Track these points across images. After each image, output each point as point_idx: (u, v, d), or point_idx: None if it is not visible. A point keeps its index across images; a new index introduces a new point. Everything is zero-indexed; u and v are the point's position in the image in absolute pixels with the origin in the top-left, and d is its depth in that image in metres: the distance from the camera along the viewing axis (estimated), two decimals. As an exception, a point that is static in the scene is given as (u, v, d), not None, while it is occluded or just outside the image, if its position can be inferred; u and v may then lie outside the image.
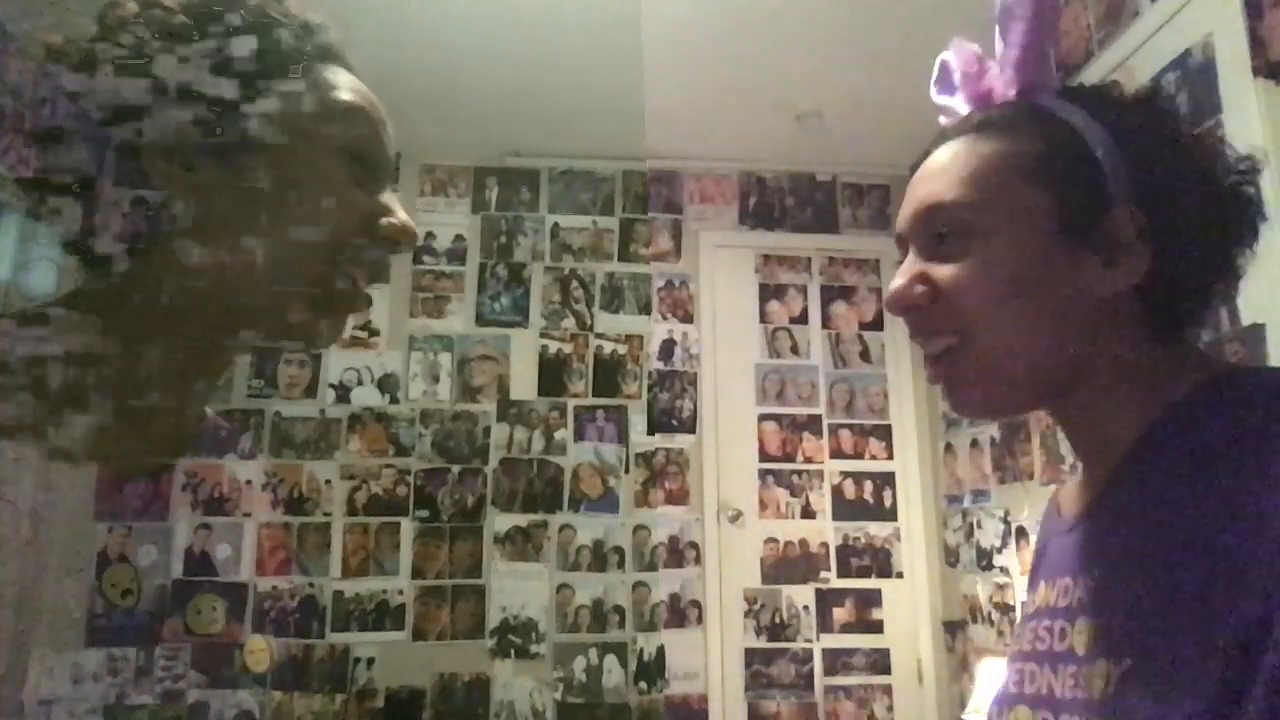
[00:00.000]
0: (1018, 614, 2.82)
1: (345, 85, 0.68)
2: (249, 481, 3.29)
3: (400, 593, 3.28)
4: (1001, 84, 0.71)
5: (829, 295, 3.71)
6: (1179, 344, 0.67)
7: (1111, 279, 0.64)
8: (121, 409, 0.61)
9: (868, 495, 3.54)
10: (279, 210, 0.63)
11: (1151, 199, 0.64)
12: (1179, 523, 0.57)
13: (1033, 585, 0.74)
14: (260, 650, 3.10)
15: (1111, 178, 0.64)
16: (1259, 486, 0.52)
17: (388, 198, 0.69)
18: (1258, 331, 1.90)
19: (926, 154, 0.72)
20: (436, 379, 3.48)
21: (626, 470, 3.46)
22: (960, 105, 0.74)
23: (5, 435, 0.55)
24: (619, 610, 3.34)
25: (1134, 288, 0.64)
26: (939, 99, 0.76)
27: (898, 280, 0.69)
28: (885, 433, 3.60)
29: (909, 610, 3.44)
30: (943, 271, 0.67)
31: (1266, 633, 0.49)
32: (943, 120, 0.74)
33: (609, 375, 3.55)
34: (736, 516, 3.46)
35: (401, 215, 0.68)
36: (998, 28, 0.71)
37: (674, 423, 3.52)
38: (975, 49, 0.74)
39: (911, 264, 0.69)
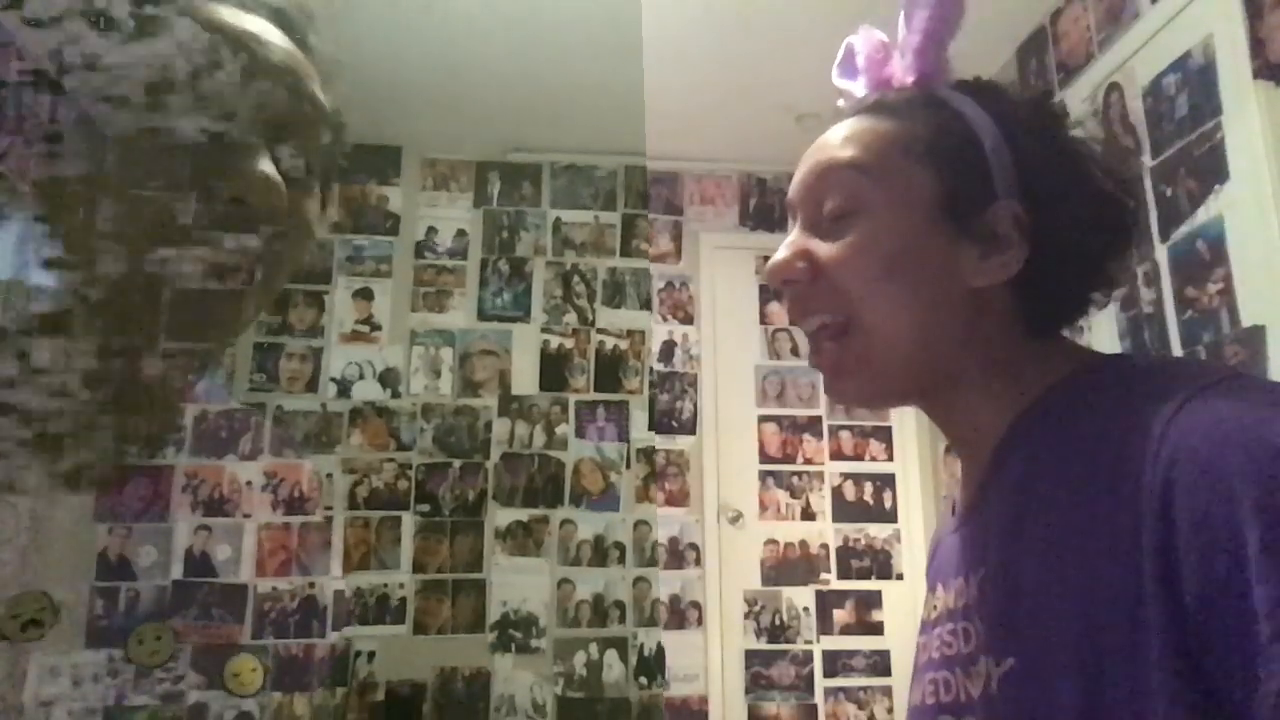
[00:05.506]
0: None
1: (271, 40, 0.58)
2: (249, 482, 3.29)
3: (401, 587, 3.28)
4: (901, 70, 0.71)
5: (830, 295, 3.71)
6: (1052, 341, 0.67)
7: (988, 270, 0.64)
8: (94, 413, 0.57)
9: (868, 497, 3.53)
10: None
11: (1033, 197, 0.64)
12: (1040, 514, 0.57)
13: (931, 590, 0.73)
14: (249, 670, 2.81)
15: (997, 171, 0.64)
16: (1114, 465, 0.52)
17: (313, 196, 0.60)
18: (1258, 333, 1.90)
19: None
20: (438, 373, 3.48)
21: (628, 466, 3.46)
22: (860, 89, 0.74)
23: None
24: (620, 605, 3.34)
25: (1010, 284, 0.64)
26: (840, 82, 0.76)
27: (780, 253, 0.69)
28: (885, 434, 3.59)
29: (909, 612, 3.43)
30: (825, 248, 0.67)
31: (1136, 603, 0.48)
32: (840, 104, 0.74)
33: (610, 370, 3.55)
34: (736, 518, 3.46)
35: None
36: (902, 14, 0.71)
37: (674, 424, 3.52)
38: (882, 36, 0.74)
39: (795, 238, 0.69)
